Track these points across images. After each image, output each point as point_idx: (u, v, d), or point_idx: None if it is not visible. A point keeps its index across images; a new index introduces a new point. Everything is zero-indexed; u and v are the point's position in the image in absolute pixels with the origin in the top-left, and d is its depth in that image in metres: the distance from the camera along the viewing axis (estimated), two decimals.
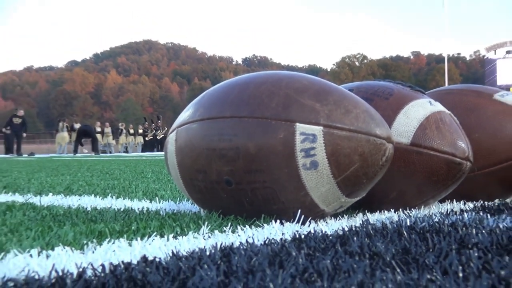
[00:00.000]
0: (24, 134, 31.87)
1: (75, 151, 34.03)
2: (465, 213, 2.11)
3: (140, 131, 48.36)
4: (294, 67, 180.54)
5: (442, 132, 2.22)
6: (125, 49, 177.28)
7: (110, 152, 46.69)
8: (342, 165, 1.93)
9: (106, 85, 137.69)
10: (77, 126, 57.35)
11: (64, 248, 1.52)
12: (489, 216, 1.99)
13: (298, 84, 2.06)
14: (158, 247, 1.53)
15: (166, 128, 53.74)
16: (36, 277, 1.17)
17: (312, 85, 2.06)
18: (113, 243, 1.61)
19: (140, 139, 47.99)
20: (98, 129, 51.20)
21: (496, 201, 2.57)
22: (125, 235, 1.76)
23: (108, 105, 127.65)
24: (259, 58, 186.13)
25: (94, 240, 1.64)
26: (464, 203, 2.50)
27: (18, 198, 3.18)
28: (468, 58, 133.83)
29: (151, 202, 2.84)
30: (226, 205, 2.11)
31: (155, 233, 1.76)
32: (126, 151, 47.29)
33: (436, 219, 1.92)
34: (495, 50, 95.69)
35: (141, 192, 3.47)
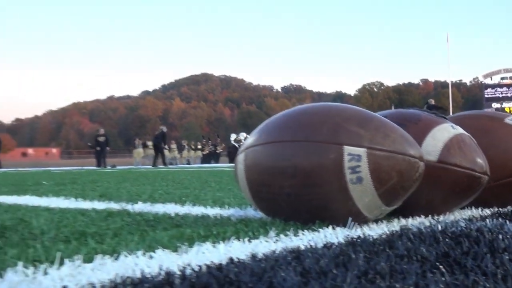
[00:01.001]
0: (108, 148, 32.64)
1: (154, 165, 34.04)
2: (486, 219, 2.04)
3: (199, 146, 49.02)
4: (324, 93, 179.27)
5: (463, 151, 2.17)
6: (186, 81, 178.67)
7: (176, 164, 47.29)
8: (382, 180, 1.90)
9: (172, 110, 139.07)
10: (149, 143, 57.90)
11: (164, 250, 1.50)
12: (508, 222, 1.91)
13: (344, 114, 2.04)
14: (239, 250, 1.49)
15: (223, 144, 54.93)
16: (148, 276, 1.18)
17: (356, 114, 2.04)
18: (201, 245, 1.57)
19: (199, 153, 48.57)
20: (166, 147, 52.25)
21: (509, 207, 2.50)
22: (209, 239, 1.72)
23: (174, 126, 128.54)
24: (295, 86, 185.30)
25: (186, 243, 1.62)
26: (482, 210, 2.43)
27: (113, 205, 3.16)
28: (468, 83, 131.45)
29: (221, 208, 2.78)
30: (286, 213, 2.08)
31: (233, 237, 1.72)
32: (188, 163, 47.93)
33: (463, 225, 1.86)
34: (491, 77, 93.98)
35: (210, 200, 3.44)
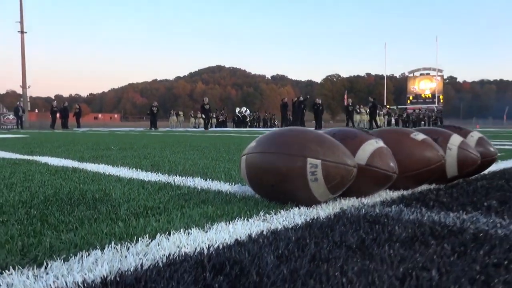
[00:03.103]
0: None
1: (206, 127, 35.56)
2: (392, 206, 2.15)
3: (215, 116, 50.12)
4: (300, 80, 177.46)
5: (382, 158, 2.31)
6: (206, 70, 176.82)
7: (198, 128, 47.64)
8: (330, 180, 2.05)
9: (196, 90, 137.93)
10: (180, 113, 57.56)
11: (196, 228, 1.63)
12: (405, 209, 2.04)
13: (308, 137, 2.16)
14: (241, 231, 1.60)
15: (227, 114, 56.68)
16: (187, 254, 1.35)
17: (315, 138, 2.16)
18: (218, 224, 1.70)
19: (214, 121, 49.64)
20: (192, 115, 53.09)
21: (410, 190, 2.63)
22: (223, 217, 1.83)
23: (197, 101, 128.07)
24: (280, 75, 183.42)
25: (209, 222, 1.74)
26: (393, 192, 2.56)
27: (161, 177, 3.21)
28: (398, 77, 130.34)
29: (229, 184, 2.84)
30: (270, 196, 2.23)
31: (238, 217, 1.84)
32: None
33: (377, 210, 2.01)
34: (413, 73, 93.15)
35: (223, 173, 3.52)
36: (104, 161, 4.62)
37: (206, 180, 3.11)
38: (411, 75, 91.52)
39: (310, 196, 2.10)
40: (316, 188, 2.07)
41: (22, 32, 57.26)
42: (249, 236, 1.54)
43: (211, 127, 46.71)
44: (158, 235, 1.54)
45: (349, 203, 2.24)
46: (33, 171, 3.62)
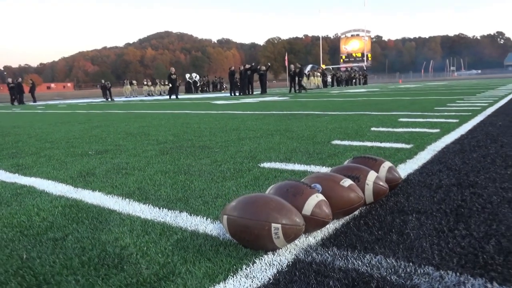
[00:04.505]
0: (110, 86, 34.93)
1: (170, 96, 36.22)
2: (329, 247, 2.70)
3: (166, 83, 49.94)
4: (244, 43, 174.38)
5: (321, 209, 2.96)
6: (155, 36, 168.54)
7: (152, 96, 46.66)
8: (287, 237, 2.68)
9: (146, 56, 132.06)
10: (134, 82, 55.50)
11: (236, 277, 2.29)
12: (337, 252, 2.63)
13: (271, 206, 2.76)
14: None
15: (180, 81, 55.72)
16: None
17: (276, 206, 2.76)
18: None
19: (167, 87, 49.30)
20: (145, 83, 51.74)
21: (341, 223, 3.34)
22: (219, 277, 2.15)
23: (148, 67, 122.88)
24: (226, 39, 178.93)
25: (211, 287, 2.35)
26: (330, 224, 3.23)
27: (154, 214, 3.44)
28: (332, 37, 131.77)
29: (212, 221, 3.10)
30: (246, 246, 2.77)
31: (229, 275, 2.21)
32: (160, 95, 47.86)
33: (320, 257, 2.62)
34: (345, 34, 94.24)
35: (199, 199, 3.67)
36: (93, 184, 4.67)
37: (191, 214, 3.39)
38: (343, 36, 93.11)
39: (274, 247, 2.77)
40: (278, 242, 2.74)
41: None
42: None
43: (161, 94, 46.39)
44: None
45: (300, 244, 2.90)
46: (43, 210, 3.82)
